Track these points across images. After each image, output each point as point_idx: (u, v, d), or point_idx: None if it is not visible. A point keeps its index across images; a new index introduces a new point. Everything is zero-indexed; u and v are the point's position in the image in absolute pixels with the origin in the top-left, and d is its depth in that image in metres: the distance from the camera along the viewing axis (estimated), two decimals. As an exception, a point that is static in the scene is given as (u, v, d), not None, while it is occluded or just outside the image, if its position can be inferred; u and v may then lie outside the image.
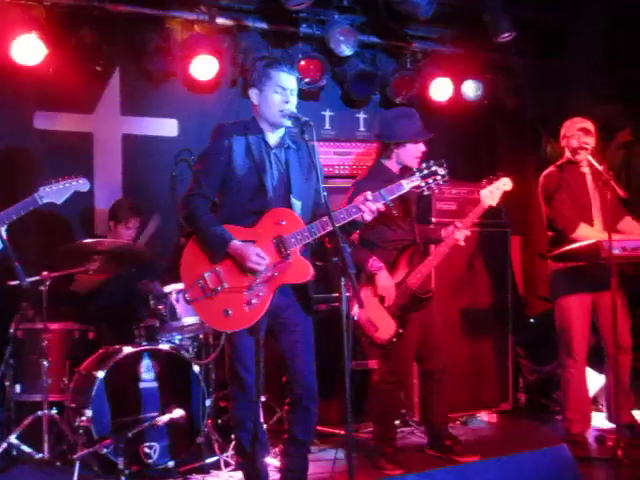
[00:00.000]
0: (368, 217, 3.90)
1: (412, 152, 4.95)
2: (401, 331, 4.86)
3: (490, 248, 6.44)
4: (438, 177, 4.01)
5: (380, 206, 3.91)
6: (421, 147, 4.97)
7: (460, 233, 5.00)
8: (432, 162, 4.04)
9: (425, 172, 4.01)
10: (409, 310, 4.91)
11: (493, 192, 5.06)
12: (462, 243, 5.03)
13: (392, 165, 5.00)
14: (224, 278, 3.88)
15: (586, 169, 5.40)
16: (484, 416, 6.29)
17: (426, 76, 7.16)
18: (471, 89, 7.27)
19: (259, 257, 3.83)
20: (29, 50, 5.78)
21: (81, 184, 3.87)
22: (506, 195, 6.20)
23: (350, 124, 7.17)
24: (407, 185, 3.99)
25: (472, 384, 6.26)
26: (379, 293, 4.87)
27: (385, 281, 4.86)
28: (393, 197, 3.97)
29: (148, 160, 6.41)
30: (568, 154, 5.51)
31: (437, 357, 5.13)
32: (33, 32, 5.73)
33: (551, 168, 5.58)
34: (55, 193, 3.74)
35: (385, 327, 4.87)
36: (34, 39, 5.74)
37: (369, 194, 3.91)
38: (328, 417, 5.50)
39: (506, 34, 6.76)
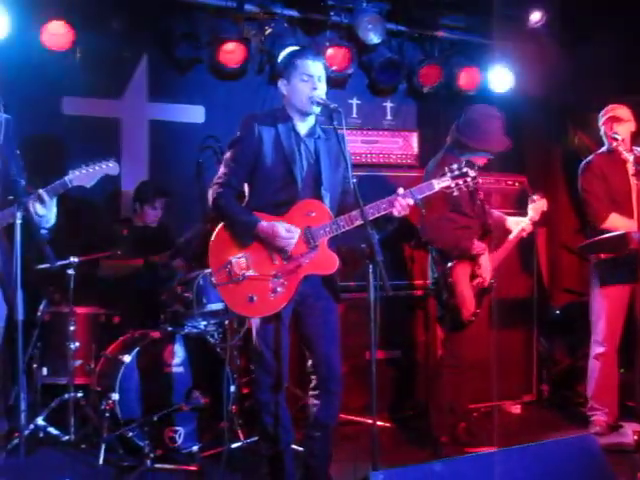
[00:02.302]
0: (398, 213, 3.88)
1: (485, 159, 5.09)
2: (478, 311, 5.00)
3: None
4: (468, 179, 3.98)
5: (410, 202, 3.89)
6: (488, 157, 5.10)
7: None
8: (463, 163, 4.02)
9: (456, 173, 3.97)
10: (479, 296, 5.05)
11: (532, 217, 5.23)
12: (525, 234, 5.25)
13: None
14: (251, 264, 3.90)
15: (630, 156, 5.27)
16: (508, 407, 6.28)
17: (453, 65, 7.13)
18: (498, 78, 7.22)
19: (289, 232, 3.85)
20: (58, 36, 5.82)
21: (111, 167, 3.87)
22: (532, 186, 6.21)
23: (377, 112, 7.15)
24: (437, 185, 3.97)
25: (496, 375, 6.23)
26: (481, 273, 4.98)
27: (487, 263, 5.00)
28: (423, 196, 3.96)
29: (174, 146, 6.43)
30: (606, 142, 5.44)
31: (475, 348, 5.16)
32: (62, 18, 5.75)
33: (591, 157, 5.50)
34: (85, 177, 3.74)
35: (469, 305, 4.97)
36: (63, 25, 5.77)
37: (401, 190, 3.90)
38: (350, 404, 5.52)
39: (536, 20, 6.70)
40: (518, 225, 5.21)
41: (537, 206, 5.23)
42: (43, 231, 3.57)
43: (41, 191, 3.61)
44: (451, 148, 5.11)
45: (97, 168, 3.78)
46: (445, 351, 5.20)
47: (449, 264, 4.95)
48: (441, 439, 5.06)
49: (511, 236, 5.20)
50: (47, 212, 3.63)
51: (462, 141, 5.04)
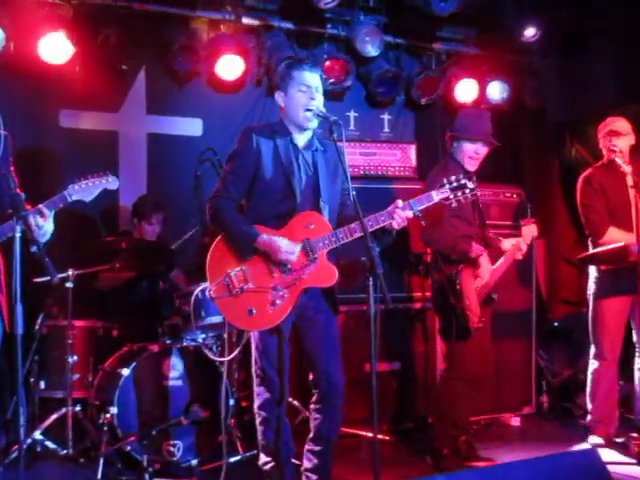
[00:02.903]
0: (397, 225, 3.89)
1: (467, 151, 5.02)
2: (483, 319, 4.97)
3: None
4: (467, 190, 4.00)
5: (409, 214, 3.91)
6: (482, 151, 5.05)
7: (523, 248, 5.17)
8: (462, 175, 4.04)
9: (455, 185, 3.99)
10: (482, 305, 5.03)
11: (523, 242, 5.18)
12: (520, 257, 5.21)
13: (461, 159, 5.06)
14: (250, 277, 3.89)
15: (628, 168, 5.27)
16: (507, 419, 6.26)
17: (450, 77, 7.14)
18: (496, 91, 7.24)
19: (289, 247, 3.85)
20: (56, 49, 5.82)
21: (110, 182, 3.87)
22: (529, 198, 6.21)
23: (375, 125, 7.16)
24: (436, 196, 3.98)
25: (495, 387, 6.22)
26: (480, 274, 4.97)
27: (487, 264, 4.98)
28: (422, 207, 3.96)
29: (172, 159, 6.43)
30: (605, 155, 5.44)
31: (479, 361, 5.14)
32: (60, 31, 5.76)
33: (590, 170, 5.50)
34: (84, 191, 3.74)
35: (475, 311, 4.95)
36: (61, 38, 5.77)
37: (400, 202, 3.91)
38: (349, 416, 5.50)
39: (532, 34, 6.72)
40: (513, 245, 5.19)
41: (527, 231, 5.20)
42: (36, 247, 3.55)
43: (41, 206, 3.60)
44: (451, 148, 5.13)
45: (97, 182, 3.78)
46: (448, 364, 5.17)
47: (455, 270, 4.93)
48: (443, 452, 5.04)
49: (505, 246, 5.18)
50: (46, 226, 3.62)
51: (456, 134, 5.07)
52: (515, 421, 6.29)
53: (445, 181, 4.01)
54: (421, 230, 5.02)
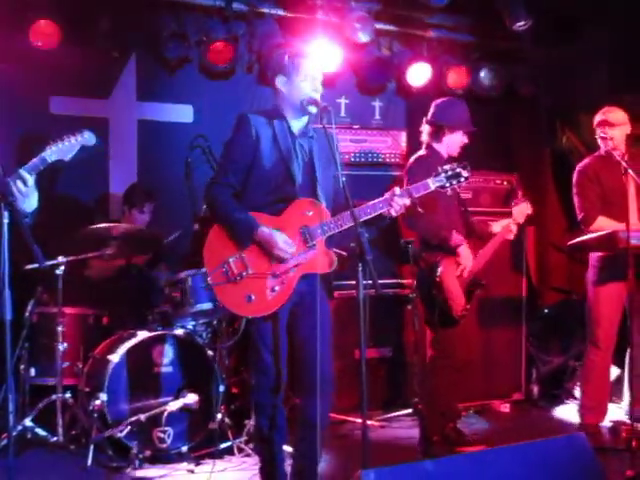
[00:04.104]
0: (394, 213, 3.91)
1: (459, 141, 5.16)
2: (468, 307, 5.01)
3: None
4: (462, 179, 4.04)
5: (407, 202, 3.93)
6: (465, 139, 5.18)
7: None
8: (456, 164, 4.06)
9: (450, 173, 4.02)
10: (468, 292, 5.08)
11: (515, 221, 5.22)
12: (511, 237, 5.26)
13: (442, 150, 5.16)
14: (249, 264, 3.89)
15: (621, 158, 5.25)
16: (497, 406, 6.29)
17: (442, 64, 7.12)
18: (486, 78, 7.22)
19: (286, 244, 3.85)
20: (46, 35, 5.78)
21: (86, 139, 3.82)
22: (520, 186, 6.21)
23: (366, 112, 7.13)
24: (433, 184, 4.00)
25: (485, 374, 6.26)
26: (462, 263, 5.01)
27: (467, 253, 5.02)
28: (419, 195, 3.98)
29: (163, 146, 6.40)
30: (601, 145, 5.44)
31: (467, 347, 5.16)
32: (50, 17, 5.72)
33: (586, 160, 5.50)
34: (62, 150, 3.71)
35: (458, 300, 4.98)
36: (51, 24, 5.74)
37: (397, 189, 3.92)
38: (339, 404, 5.52)
39: (522, 22, 6.70)
40: (503, 227, 5.22)
41: (521, 209, 5.24)
42: (26, 219, 3.53)
43: (21, 170, 3.59)
44: (430, 138, 5.17)
45: (72, 141, 3.75)
46: (436, 351, 5.18)
47: (434, 260, 4.96)
48: (432, 439, 5.06)
49: (495, 228, 5.21)
50: (28, 191, 3.60)
51: (437, 125, 5.14)
52: (504, 408, 6.32)
53: (440, 170, 4.03)
54: (406, 213, 5.04)
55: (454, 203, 5.14)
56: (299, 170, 3.97)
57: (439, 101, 5.34)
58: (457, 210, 5.21)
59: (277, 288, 3.89)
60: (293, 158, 3.97)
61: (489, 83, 7.23)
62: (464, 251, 5.01)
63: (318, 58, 4.13)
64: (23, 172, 3.59)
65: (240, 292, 3.88)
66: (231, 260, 3.89)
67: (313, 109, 3.97)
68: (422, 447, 5.05)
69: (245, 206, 3.96)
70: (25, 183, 3.57)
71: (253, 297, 3.87)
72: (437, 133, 5.17)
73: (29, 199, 3.62)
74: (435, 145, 5.18)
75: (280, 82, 4.04)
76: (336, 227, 3.90)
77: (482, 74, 7.22)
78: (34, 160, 3.65)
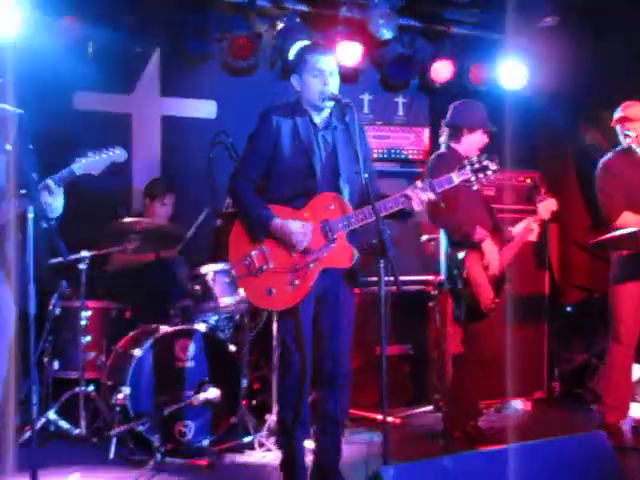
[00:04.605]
0: (417, 207, 3.88)
1: (478, 141, 5.12)
2: (497, 300, 4.99)
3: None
4: (489, 172, 3.96)
5: (430, 196, 3.90)
6: (485, 139, 5.14)
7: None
8: (484, 156, 4.00)
9: (476, 166, 3.96)
10: (496, 285, 5.06)
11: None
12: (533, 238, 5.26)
13: (460, 150, 5.11)
14: (270, 258, 3.92)
15: None
16: (518, 404, 6.26)
17: (465, 60, 7.10)
18: (510, 74, 7.19)
19: (300, 230, 3.86)
20: (70, 31, 5.82)
21: (118, 155, 3.85)
22: (544, 183, 6.18)
23: (389, 108, 7.14)
24: (457, 178, 3.96)
25: (507, 371, 6.22)
26: (486, 260, 4.97)
27: (491, 248, 4.99)
28: (442, 189, 3.95)
29: (186, 141, 6.44)
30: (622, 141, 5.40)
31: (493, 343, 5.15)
32: (75, 14, 5.76)
33: (609, 155, 5.46)
34: (92, 164, 3.73)
35: (486, 293, 4.96)
36: (75, 21, 5.78)
37: (419, 183, 3.90)
38: (361, 400, 5.52)
39: (548, 19, 6.66)
40: (523, 227, 5.19)
41: (547, 205, 5.24)
42: (50, 222, 3.56)
43: (49, 180, 3.61)
44: (449, 139, 5.15)
45: (104, 156, 3.77)
46: (466, 347, 5.16)
47: (460, 255, 4.94)
48: (455, 435, 5.05)
49: (515, 230, 5.19)
50: (54, 201, 3.63)
51: (457, 126, 5.12)
52: (526, 405, 6.29)
53: (466, 162, 3.99)
54: (428, 207, 5.01)
55: (478, 197, 5.10)
56: (321, 163, 3.97)
57: (456, 103, 5.32)
58: (482, 204, 5.17)
59: (297, 282, 3.90)
60: (315, 150, 3.97)
61: (512, 80, 7.20)
62: (488, 246, 4.98)
63: (331, 53, 4.10)
64: (50, 182, 3.61)
65: (261, 285, 3.91)
66: (253, 253, 3.92)
67: (329, 104, 3.97)
68: (443, 444, 5.04)
69: (268, 199, 3.98)
70: (51, 192, 3.60)
71: (274, 290, 3.89)
72: (456, 134, 5.14)
73: (54, 206, 3.64)
74: (454, 145, 5.16)
75: (293, 80, 4.06)
76: (357, 221, 3.90)
77: (505, 70, 7.18)
78: (62, 171, 3.68)
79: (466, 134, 5.13)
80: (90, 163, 3.71)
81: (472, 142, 5.12)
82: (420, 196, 3.87)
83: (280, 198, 3.97)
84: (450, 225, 5.00)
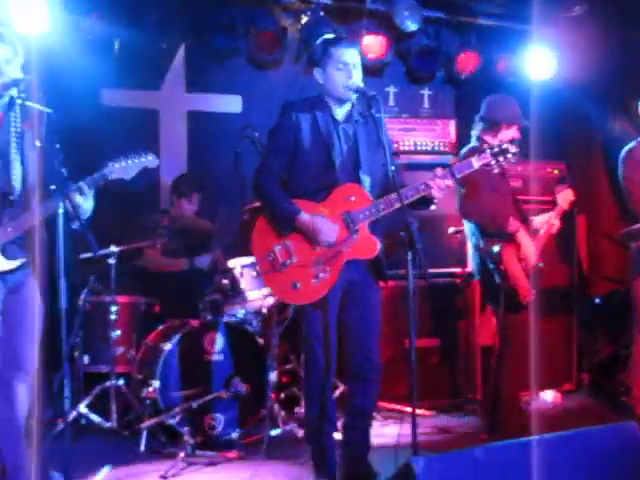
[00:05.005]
0: (437, 194, 3.88)
1: (512, 136, 5.06)
2: (534, 291, 4.96)
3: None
4: (509, 155, 3.96)
5: (450, 183, 3.91)
6: (518, 134, 5.11)
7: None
8: (505, 141, 3.99)
9: (496, 150, 3.96)
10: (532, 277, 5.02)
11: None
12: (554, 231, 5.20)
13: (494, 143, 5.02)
14: (293, 252, 3.93)
15: None
16: (548, 395, 6.23)
17: (491, 52, 7.07)
18: (537, 65, 7.14)
19: (328, 229, 3.87)
20: (97, 28, 5.88)
21: (150, 161, 3.86)
22: (571, 173, 6.13)
23: (414, 100, 7.13)
24: (477, 163, 3.95)
25: (536, 363, 6.19)
26: (522, 251, 4.95)
27: (526, 239, 4.96)
28: (462, 175, 3.95)
29: (212, 136, 6.48)
30: None
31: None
32: (101, 11, 5.81)
33: (633, 143, 5.42)
34: (124, 169, 3.75)
35: (525, 286, 4.95)
36: (102, 18, 5.82)
37: (439, 170, 3.90)
38: (391, 392, 5.52)
39: (577, 7, 6.61)
40: (545, 222, 5.17)
41: (565, 195, 5.20)
42: (81, 223, 3.59)
43: (82, 183, 3.64)
44: (484, 133, 5.10)
45: (136, 161, 3.78)
46: (506, 340, 5.06)
47: (495, 248, 4.91)
48: (500, 426, 5.00)
49: (536, 221, 5.17)
50: (85, 203, 3.66)
51: (492, 121, 5.07)
52: (555, 397, 6.26)
53: (486, 146, 3.99)
54: (459, 199, 5.01)
55: (506, 189, 5.08)
56: (341, 156, 3.99)
57: (492, 97, 5.28)
58: (510, 196, 5.14)
59: (322, 275, 3.91)
60: (335, 143, 3.98)
61: (539, 70, 7.15)
62: (523, 238, 4.95)
63: (355, 45, 4.10)
64: (84, 185, 3.64)
65: (286, 280, 3.92)
66: (277, 249, 3.94)
67: (354, 96, 3.97)
68: (486, 435, 5.03)
69: (290, 193, 4.00)
70: (82, 194, 3.63)
71: (298, 285, 3.91)
72: (492, 128, 5.07)
73: (84, 208, 3.67)
74: (488, 139, 5.06)
75: (317, 73, 4.06)
76: (377, 212, 3.90)
77: (532, 61, 7.13)
78: (95, 175, 3.69)
79: (503, 129, 5.06)
80: (122, 168, 3.73)
81: (507, 137, 5.04)
82: (440, 183, 3.88)
83: (302, 192, 3.99)
84: (483, 217, 4.97)
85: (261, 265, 3.99)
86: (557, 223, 5.16)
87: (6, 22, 5.32)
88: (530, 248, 4.97)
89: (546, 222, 5.15)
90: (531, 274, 4.98)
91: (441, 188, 3.88)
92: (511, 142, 4.00)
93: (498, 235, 4.93)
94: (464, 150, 5.20)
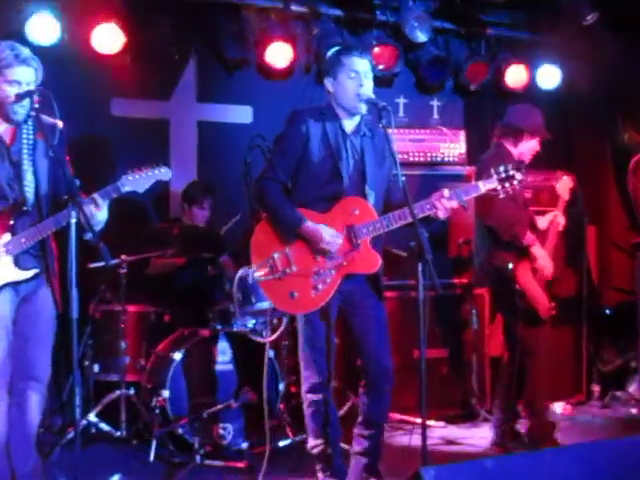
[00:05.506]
0: (442, 215, 3.88)
1: (534, 147, 5.07)
2: (553, 305, 4.97)
3: (566, 237, 6.33)
4: (515, 182, 3.94)
5: (454, 205, 3.88)
6: (538, 146, 5.10)
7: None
8: (510, 166, 3.97)
9: (502, 175, 3.94)
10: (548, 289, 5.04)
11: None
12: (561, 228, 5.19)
13: (515, 153, 5.02)
14: (293, 261, 3.92)
15: None
16: (558, 407, 6.21)
17: (500, 62, 7.07)
18: (547, 75, 7.15)
19: (333, 237, 3.86)
20: (108, 38, 5.91)
21: (163, 173, 3.85)
22: (581, 183, 6.12)
23: (424, 111, 7.13)
24: (483, 187, 3.94)
25: (546, 374, 6.18)
26: (539, 265, 4.94)
27: (541, 252, 4.95)
28: (468, 197, 3.94)
29: (222, 146, 6.49)
30: None
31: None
32: (112, 21, 5.84)
33: None
34: (137, 182, 3.74)
35: (543, 301, 4.96)
36: (114, 28, 5.85)
37: (446, 192, 3.88)
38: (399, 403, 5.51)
39: (589, 16, 6.61)
40: (550, 222, 5.15)
41: (564, 184, 5.20)
42: (91, 235, 3.60)
43: (96, 195, 3.65)
44: (505, 139, 5.07)
45: (149, 174, 3.78)
46: (523, 351, 5.01)
47: (509, 266, 4.88)
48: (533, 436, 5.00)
49: (541, 224, 5.14)
50: (99, 214, 3.68)
51: (517, 129, 5.02)
52: (565, 409, 6.23)
53: (493, 172, 3.96)
54: (479, 201, 4.94)
55: (522, 199, 5.05)
56: (348, 168, 3.98)
57: (519, 106, 5.27)
58: (522, 206, 5.11)
59: (320, 287, 3.90)
60: (342, 156, 3.97)
61: (548, 80, 7.16)
62: (539, 251, 4.93)
63: (366, 55, 4.08)
64: (98, 198, 3.66)
65: (284, 288, 3.91)
66: (276, 256, 3.92)
67: (363, 107, 3.97)
68: (497, 445, 5.03)
69: (295, 201, 3.99)
70: (97, 206, 3.65)
71: (296, 294, 3.89)
72: (515, 136, 5.04)
73: (98, 219, 3.69)
74: (509, 147, 5.05)
75: (327, 82, 4.06)
76: (382, 227, 3.89)
77: (541, 71, 7.14)
78: (108, 188, 3.70)
79: (526, 139, 5.02)
80: (136, 181, 3.73)
81: (529, 147, 5.04)
82: (446, 204, 3.86)
83: (306, 201, 3.97)
84: (501, 222, 4.90)
85: (259, 271, 3.97)
86: (562, 221, 5.15)
87: (23, 39, 5.36)
88: (546, 260, 4.95)
89: (551, 221, 5.13)
90: (547, 286, 4.96)
91: (446, 209, 3.86)
92: (518, 168, 3.95)
93: (511, 244, 4.90)
94: (487, 155, 5.14)
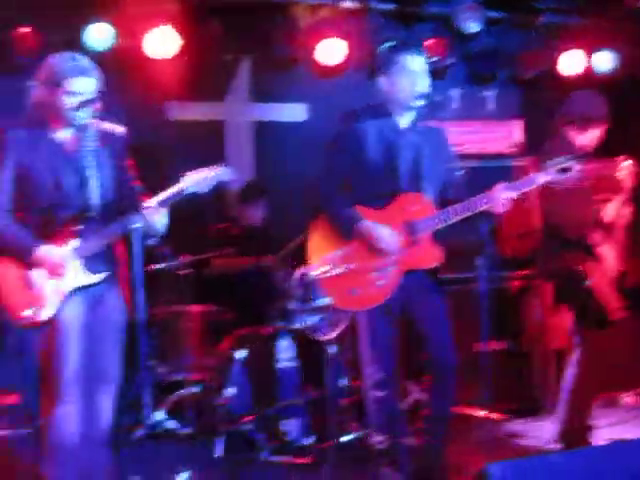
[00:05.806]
0: (499, 209, 3.86)
1: (598, 137, 4.91)
2: (623, 305, 4.85)
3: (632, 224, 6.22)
4: (574, 173, 3.91)
5: (512, 198, 3.88)
6: (604, 134, 4.93)
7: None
8: (570, 156, 3.92)
9: (559, 167, 3.92)
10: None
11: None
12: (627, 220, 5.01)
13: (578, 142, 4.86)
14: (352, 258, 3.94)
15: None
16: (624, 398, 6.12)
17: (555, 50, 6.98)
18: (603, 61, 7.03)
19: (391, 237, 3.88)
20: (163, 42, 5.98)
21: (224, 173, 3.89)
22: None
23: (477, 102, 7.08)
24: (540, 179, 3.92)
25: (609, 365, 6.09)
26: (606, 265, 4.83)
27: (609, 252, 4.84)
28: (525, 190, 3.92)
29: (278, 145, 6.53)
30: None
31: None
32: (167, 24, 5.91)
33: None
34: (199, 183, 3.78)
35: (613, 301, 4.84)
36: (168, 31, 5.92)
37: (503, 185, 3.87)
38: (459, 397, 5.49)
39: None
40: (614, 215, 5.03)
41: (626, 169, 4.95)
42: (154, 240, 3.66)
43: (159, 199, 3.70)
44: (570, 128, 4.96)
45: (211, 174, 3.81)
46: (587, 349, 4.87)
47: (577, 266, 4.72)
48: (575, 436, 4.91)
49: (606, 216, 5.04)
50: (160, 219, 3.73)
51: (586, 117, 4.83)
52: (630, 399, 6.14)
53: (549, 163, 3.92)
54: (542, 197, 4.85)
55: (584, 194, 4.94)
56: (404, 165, 3.99)
57: (583, 92, 5.08)
58: (588, 202, 4.99)
59: (380, 282, 3.92)
60: (398, 152, 3.99)
61: (605, 66, 7.04)
62: (607, 253, 4.82)
63: (421, 53, 4.08)
64: (161, 202, 3.69)
65: (344, 286, 3.93)
66: (336, 254, 3.95)
67: (419, 103, 3.96)
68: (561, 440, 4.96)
69: (352, 199, 4.01)
70: (158, 211, 3.70)
71: (357, 291, 3.92)
72: (582, 125, 4.85)
73: (159, 224, 3.74)
74: (573, 135, 4.86)
75: (381, 81, 4.06)
76: (440, 222, 3.90)
77: (598, 57, 7.03)
78: (171, 191, 3.71)
79: (593, 127, 4.86)
80: (197, 181, 3.76)
81: (594, 136, 4.87)
82: (502, 199, 3.85)
83: (363, 198, 4.00)
84: (570, 219, 4.74)
85: (319, 269, 3.99)
86: (627, 213, 5.01)
87: (81, 47, 5.46)
88: (611, 257, 4.86)
89: (615, 215, 5.00)
90: (617, 283, 4.86)
91: (503, 203, 3.85)
92: (577, 158, 3.90)
93: (578, 243, 4.79)
94: (546, 145, 5.02)
